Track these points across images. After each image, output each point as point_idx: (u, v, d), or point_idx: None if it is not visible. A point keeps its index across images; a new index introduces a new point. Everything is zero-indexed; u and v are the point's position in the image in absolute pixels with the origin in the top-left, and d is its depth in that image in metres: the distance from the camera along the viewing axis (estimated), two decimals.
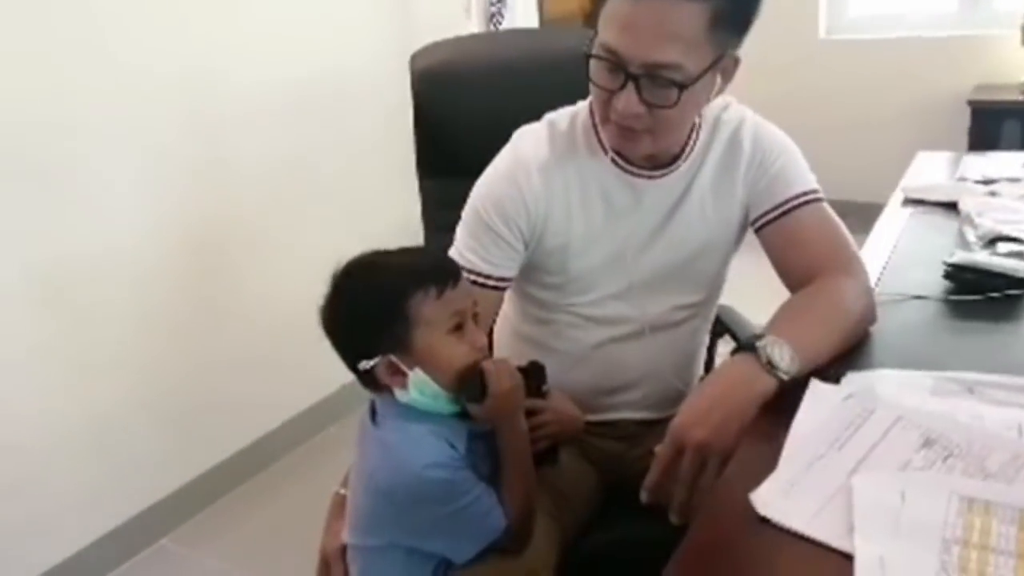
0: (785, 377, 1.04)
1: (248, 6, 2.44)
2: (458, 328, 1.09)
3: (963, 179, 1.95)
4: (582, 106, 1.31)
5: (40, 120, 1.96)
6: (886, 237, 1.66)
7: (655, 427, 1.40)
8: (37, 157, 1.97)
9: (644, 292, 1.33)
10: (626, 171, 1.27)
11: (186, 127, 2.30)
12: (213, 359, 2.45)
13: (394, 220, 2.16)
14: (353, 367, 1.11)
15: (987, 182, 1.87)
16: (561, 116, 1.33)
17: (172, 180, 2.28)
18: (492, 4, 3.12)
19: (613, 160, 1.27)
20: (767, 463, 0.90)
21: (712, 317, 1.49)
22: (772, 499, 0.84)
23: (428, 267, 1.10)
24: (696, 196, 1.30)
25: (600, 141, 1.27)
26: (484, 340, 1.13)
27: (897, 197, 1.91)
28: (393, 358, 1.07)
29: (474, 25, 3.07)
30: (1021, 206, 1.68)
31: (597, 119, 1.24)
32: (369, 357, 1.08)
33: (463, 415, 1.11)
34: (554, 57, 1.74)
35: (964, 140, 3.77)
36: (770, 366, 1.03)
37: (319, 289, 1.12)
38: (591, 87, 1.19)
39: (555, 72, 1.56)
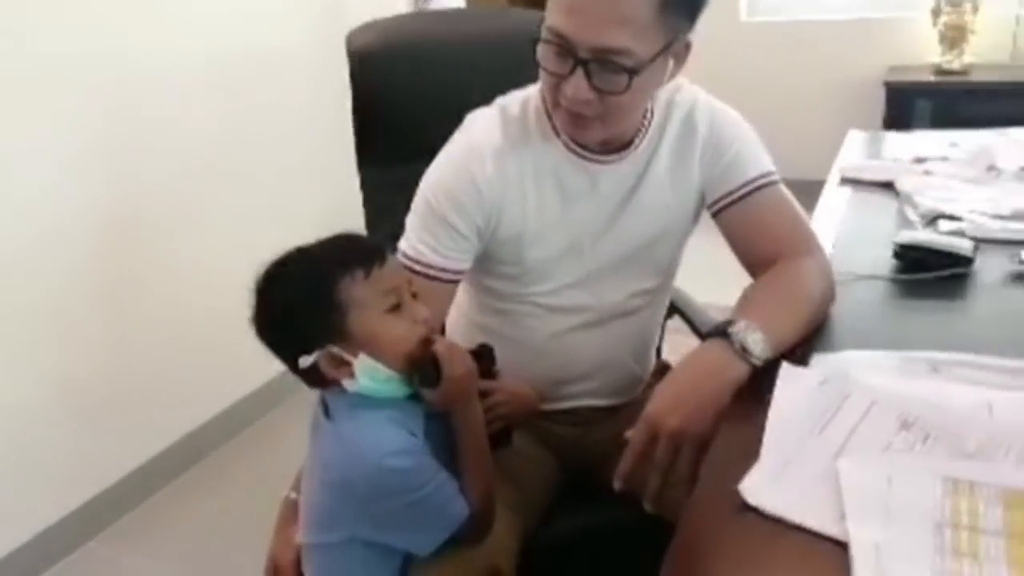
0: (758, 363, 1.03)
1: None
2: (396, 307, 1.06)
3: (896, 159, 1.99)
4: (533, 90, 1.27)
5: None
6: (828, 217, 1.68)
7: (613, 413, 1.40)
8: None
9: (602, 280, 1.30)
10: (580, 156, 1.24)
11: (104, 105, 2.18)
12: (138, 348, 2.35)
13: (330, 203, 2.10)
14: (294, 368, 1.07)
15: (919, 161, 1.91)
16: (512, 101, 1.29)
17: (89, 162, 2.16)
18: None
19: (566, 144, 1.24)
20: (747, 450, 0.89)
21: (667, 301, 1.48)
22: (760, 488, 0.83)
23: (349, 250, 1.06)
24: (652, 181, 1.27)
25: (553, 126, 1.23)
26: (426, 313, 1.09)
27: (834, 177, 1.95)
28: (334, 349, 1.04)
29: (402, 4, 2.99)
30: (956, 184, 1.72)
31: (548, 104, 1.20)
32: (308, 353, 1.04)
33: (418, 396, 1.08)
34: (496, 37, 1.71)
35: (879, 119, 3.89)
36: (744, 352, 1.03)
37: (250, 272, 1.07)
38: (540, 72, 1.16)
39: (500, 52, 1.53)
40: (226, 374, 2.59)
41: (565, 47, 1.08)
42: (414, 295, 1.09)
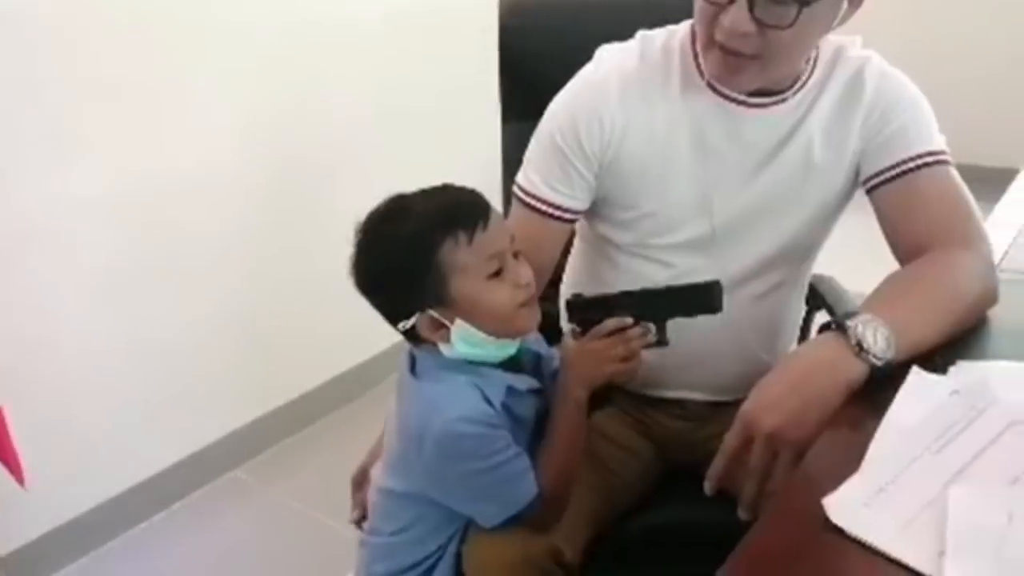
0: (878, 363, 0.91)
1: None
2: (498, 272, 1.01)
3: None
4: (683, 25, 1.18)
5: (140, 42, 1.95)
6: (1016, 207, 1.48)
7: (728, 409, 1.25)
8: (139, 75, 1.96)
9: (727, 244, 1.19)
10: (726, 98, 1.13)
11: (282, 59, 2.27)
12: (298, 290, 2.42)
13: (476, 162, 2.07)
14: (392, 321, 1.06)
15: None
16: (656, 32, 1.20)
17: (267, 109, 2.25)
18: None
19: (710, 85, 1.13)
20: (850, 461, 0.78)
21: (805, 285, 1.33)
22: (850, 507, 0.72)
23: (453, 212, 1.02)
24: (804, 137, 1.15)
25: (699, 68, 1.13)
26: (528, 274, 1.05)
27: None
28: (433, 313, 1.02)
29: None
30: None
31: (699, 43, 1.10)
32: (407, 315, 1.03)
33: (506, 365, 1.06)
34: None
35: None
36: (859, 348, 0.91)
37: None
38: (696, 4, 1.06)
39: (654, 10, 1.45)
40: (378, 323, 2.61)
41: None
42: (516, 255, 1.05)
